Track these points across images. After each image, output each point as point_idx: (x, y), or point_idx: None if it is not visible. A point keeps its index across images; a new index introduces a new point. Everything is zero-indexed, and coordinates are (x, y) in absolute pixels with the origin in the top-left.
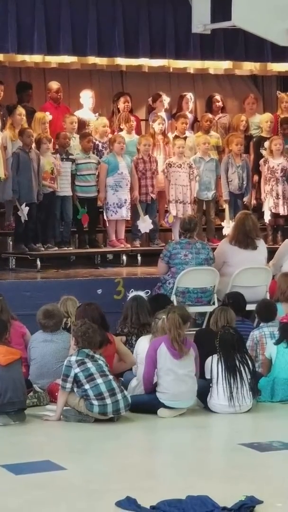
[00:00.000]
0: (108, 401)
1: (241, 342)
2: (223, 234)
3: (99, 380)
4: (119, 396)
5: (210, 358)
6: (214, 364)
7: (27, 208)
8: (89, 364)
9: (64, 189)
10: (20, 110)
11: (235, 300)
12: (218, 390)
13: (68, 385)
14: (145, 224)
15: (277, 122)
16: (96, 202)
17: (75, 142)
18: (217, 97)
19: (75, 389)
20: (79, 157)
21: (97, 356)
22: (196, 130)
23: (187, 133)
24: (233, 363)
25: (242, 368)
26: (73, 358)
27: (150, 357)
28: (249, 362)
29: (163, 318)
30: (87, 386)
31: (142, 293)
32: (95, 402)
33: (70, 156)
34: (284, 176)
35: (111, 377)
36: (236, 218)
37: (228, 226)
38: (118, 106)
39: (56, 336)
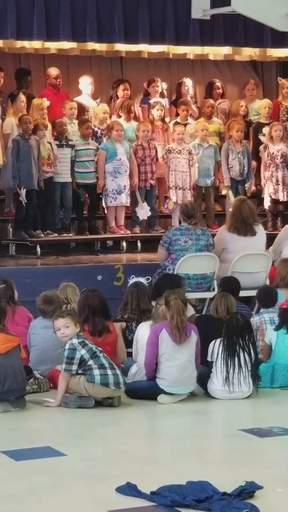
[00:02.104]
0: (109, 372)
1: (246, 329)
2: None
3: (100, 355)
4: (117, 371)
5: (213, 341)
6: (215, 347)
7: (24, 190)
8: (90, 344)
9: (63, 175)
10: (23, 97)
11: (226, 285)
12: (217, 375)
13: (74, 367)
14: (143, 211)
15: (277, 108)
16: (96, 188)
17: (74, 128)
18: (218, 84)
19: (79, 370)
20: (78, 144)
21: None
22: (197, 117)
23: (189, 120)
24: (233, 348)
25: (242, 354)
26: (75, 341)
27: (152, 342)
28: (252, 350)
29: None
30: (90, 362)
31: (142, 279)
32: (97, 372)
33: (70, 142)
34: (284, 162)
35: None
36: (232, 205)
37: None
38: (117, 93)
39: None
